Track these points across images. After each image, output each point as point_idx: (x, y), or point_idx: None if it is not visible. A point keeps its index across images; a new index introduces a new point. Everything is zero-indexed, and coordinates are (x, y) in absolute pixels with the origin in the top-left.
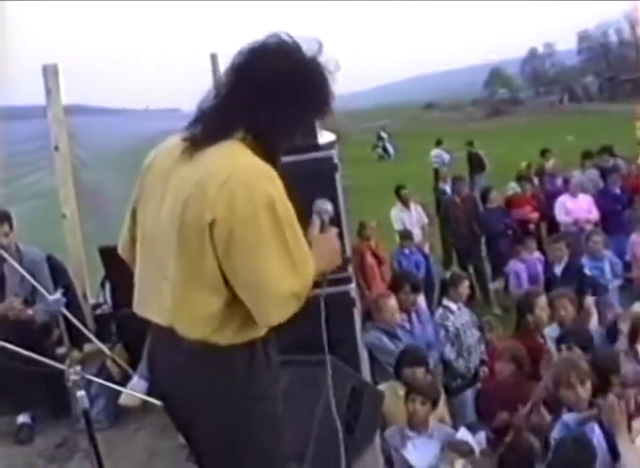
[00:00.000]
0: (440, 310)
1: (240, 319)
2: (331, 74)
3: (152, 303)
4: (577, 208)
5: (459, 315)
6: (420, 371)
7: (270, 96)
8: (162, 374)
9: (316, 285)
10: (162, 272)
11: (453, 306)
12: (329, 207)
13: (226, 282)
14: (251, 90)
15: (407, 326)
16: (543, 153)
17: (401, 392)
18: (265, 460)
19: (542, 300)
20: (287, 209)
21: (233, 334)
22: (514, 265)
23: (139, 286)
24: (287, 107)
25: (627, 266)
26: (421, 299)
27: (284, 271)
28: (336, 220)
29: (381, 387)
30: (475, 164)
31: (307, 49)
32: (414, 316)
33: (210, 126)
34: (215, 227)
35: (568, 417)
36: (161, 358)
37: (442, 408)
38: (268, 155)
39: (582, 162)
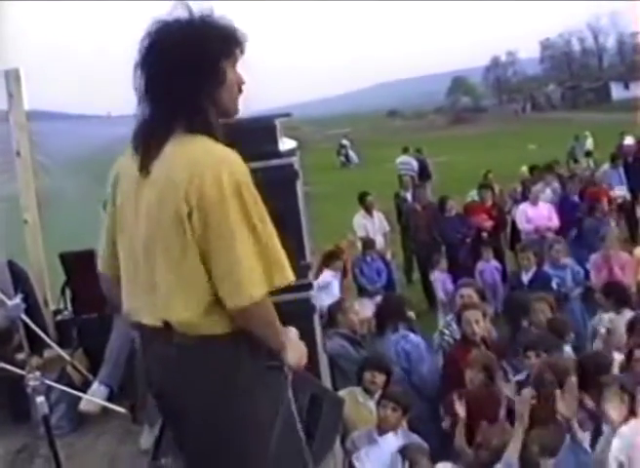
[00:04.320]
0: (449, 317)
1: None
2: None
3: (143, 307)
4: (537, 215)
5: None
6: (379, 377)
7: (170, 81)
8: (154, 372)
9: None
10: (149, 277)
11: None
12: None
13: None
14: (157, 82)
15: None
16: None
17: (361, 398)
18: (245, 460)
19: (472, 314)
20: (251, 191)
21: (219, 319)
22: (437, 275)
23: (126, 294)
24: (188, 86)
25: (588, 274)
26: None
27: (253, 254)
28: (296, 228)
29: (341, 393)
30: (424, 172)
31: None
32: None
33: (149, 130)
34: (192, 217)
35: None
36: (152, 357)
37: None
38: (211, 135)
39: (545, 175)
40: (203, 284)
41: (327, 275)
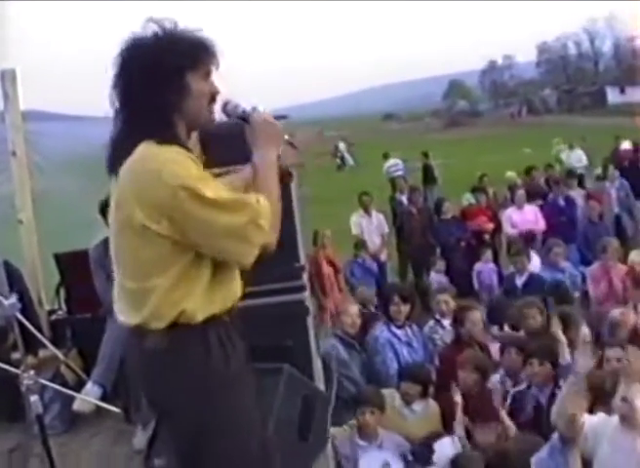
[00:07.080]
0: (431, 323)
1: (191, 295)
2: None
3: (121, 307)
4: (522, 219)
5: (450, 331)
6: (414, 388)
7: (134, 95)
8: (132, 376)
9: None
10: (120, 277)
11: (445, 321)
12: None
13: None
14: (126, 96)
15: (403, 338)
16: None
17: (397, 402)
18: (232, 457)
19: (474, 315)
20: (197, 178)
21: (196, 310)
22: (434, 276)
23: (115, 293)
24: (152, 99)
25: (584, 278)
26: None
27: (226, 221)
28: (291, 230)
29: (385, 392)
30: (429, 175)
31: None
32: (409, 329)
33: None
34: (147, 219)
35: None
36: (130, 360)
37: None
38: (174, 141)
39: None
40: (165, 270)
41: None
